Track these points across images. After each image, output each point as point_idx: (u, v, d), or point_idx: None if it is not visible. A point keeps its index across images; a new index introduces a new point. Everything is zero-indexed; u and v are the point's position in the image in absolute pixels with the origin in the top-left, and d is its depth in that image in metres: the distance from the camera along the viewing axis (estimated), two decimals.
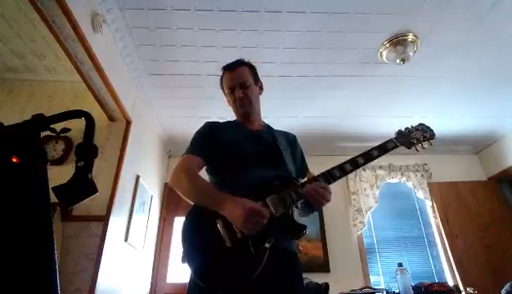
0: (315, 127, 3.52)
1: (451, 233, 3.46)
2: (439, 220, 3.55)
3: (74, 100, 2.72)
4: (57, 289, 0.56)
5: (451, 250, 3.39)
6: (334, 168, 1.14)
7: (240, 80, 1.28)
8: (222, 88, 1.37)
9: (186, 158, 1.19)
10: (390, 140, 1.24)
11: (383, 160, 3.69)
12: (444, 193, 3.67)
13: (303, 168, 1.34)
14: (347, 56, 2.56)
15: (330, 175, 1.12)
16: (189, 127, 3.43)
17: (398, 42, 2.36)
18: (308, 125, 3.45)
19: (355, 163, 1.15)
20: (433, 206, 3.64)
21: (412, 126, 1.33)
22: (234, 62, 1.33)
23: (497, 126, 3.60)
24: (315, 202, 1.06)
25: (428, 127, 1.33)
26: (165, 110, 3.22)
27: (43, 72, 2.81)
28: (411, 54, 2.42)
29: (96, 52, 1.96)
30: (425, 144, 1.30)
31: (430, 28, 2.30)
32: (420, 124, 1.34)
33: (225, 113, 1.31)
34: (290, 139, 1.38)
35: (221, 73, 1.37)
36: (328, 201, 1.06)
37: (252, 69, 1.34)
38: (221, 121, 1.35)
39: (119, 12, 2.12)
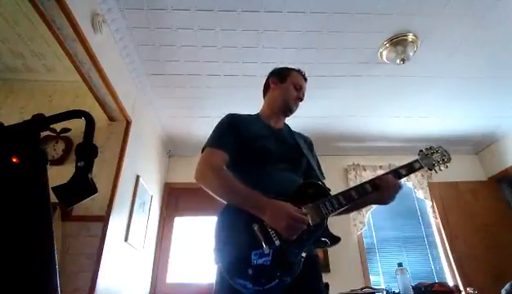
0: (314, 127, 3.51)
1: (451, 233, 3.46)
2: (439, 220, 3.55)
3: (74, 100, 2.72)
4: (57, 289, 0.56)
5: (451, 250, 3.39)
6: (366, 182, 1.19)
7: (305, 90, 1.42)
8: (281, 78, 1.41)
9: (210, 152, 1.12)
10: (416, 161, 1.32)
11: (382, 160, 3.71)
12: (444, 193, 3.66)
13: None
14: (347, 56, 2.55)
15: (362, 189, 1.17)
16: (189, 127, 3.49)
17: (398, 42, 2.36)
18: (308, 125, 3.43)
19: None
20: (433, 206, 3.63)
21: (433, 148, 1.40)
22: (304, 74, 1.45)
23: (497, 126, 3.60)
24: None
25: (446, 151, 1.41)
26: (165, 110, 3.22)
27: (43, 72, 2.81)
28: (411, 54, 2.42)
29: (96, 52, 1.96)
30: (442, 167, 1.37)
31: (430, 28, 2.30)
32: (439, 147, 1.41)
33: (223, 113, 1.29)
34: (308, 143, 1.40)
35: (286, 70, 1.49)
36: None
37: None
38: (241, 113, 1.32)
39: (119, 12, 2.12)
